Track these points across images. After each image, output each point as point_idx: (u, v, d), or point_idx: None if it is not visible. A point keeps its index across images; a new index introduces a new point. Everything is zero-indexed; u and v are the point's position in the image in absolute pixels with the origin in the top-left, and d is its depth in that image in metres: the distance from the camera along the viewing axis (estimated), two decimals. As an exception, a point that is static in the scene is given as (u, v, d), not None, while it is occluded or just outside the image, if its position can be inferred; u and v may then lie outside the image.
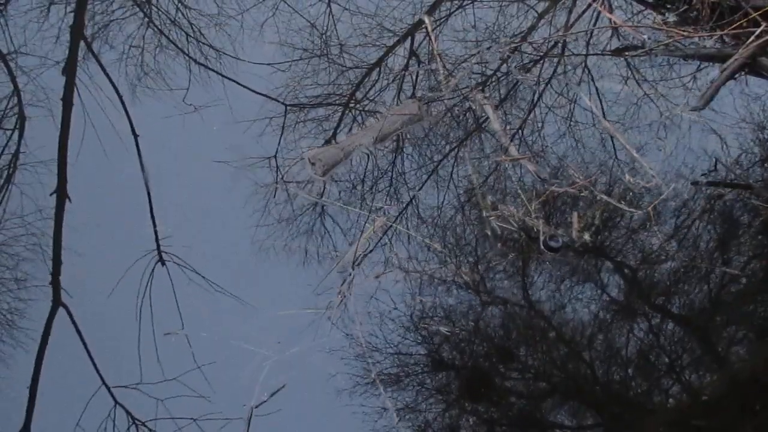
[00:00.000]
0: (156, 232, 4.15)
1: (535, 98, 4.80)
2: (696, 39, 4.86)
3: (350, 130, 4.61)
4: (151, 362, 3.74)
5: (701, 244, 4.31)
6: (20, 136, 4.50)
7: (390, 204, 4.34)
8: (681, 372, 4.01)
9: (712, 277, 4.19)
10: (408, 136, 4.57)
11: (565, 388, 3.99)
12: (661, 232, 4.25)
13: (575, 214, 4.27)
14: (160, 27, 5.12)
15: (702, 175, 4.48)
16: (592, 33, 5.04)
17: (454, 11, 5.22)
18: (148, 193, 4.30)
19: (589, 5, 5.15)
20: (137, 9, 5.21)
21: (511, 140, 4.55)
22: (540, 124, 4.70)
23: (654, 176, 4.38)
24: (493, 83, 4.84)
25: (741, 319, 4.20)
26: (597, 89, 4.81)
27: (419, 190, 4.40)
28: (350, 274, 4.04)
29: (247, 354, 3.79)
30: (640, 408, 3.91)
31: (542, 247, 4.14)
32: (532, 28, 5.13)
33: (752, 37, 4.64)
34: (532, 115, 4.74)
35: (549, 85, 4.83)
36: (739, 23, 4.67)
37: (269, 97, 4.73)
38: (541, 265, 4.18)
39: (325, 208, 4.30)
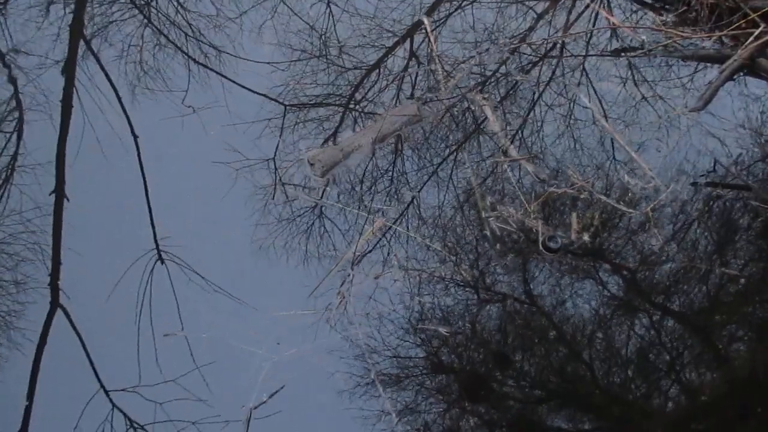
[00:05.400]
0: (155, 233, 4.15)
1: (534, 99, 4.79)
2: (695, 40, 4.86)
3: (350, 130, 4.61)
4: (150, 364, 3.74)
5: (700, 245, 4.31)
6: (19, 137, 4.50)
7: (389, 205, 4.34)
8: (681, 373, 4.01)
9: (711, 278, 4.19)
10: (407, 137, 4.57)
11: (564, 390, 3.99)
12: (660, 233, 4.25)
13: (574, 214, 4.27)
14: (159, 27, 5.12)
15: (701, 176, 4.48)
16: (591, 34, 5.04)
17: (453, 12, 5.22)
18: (147, 194, 4.30)
19: (587, 6, 5.14)
20: (136, 9, 5.20)
21: (511, 141, 4.55)
22: (539, 125, 4.70)
23: (653, 177, 4.38)
24: (492, 84, 4.84)
25: (740, 320, 4.20)
26: (596, 90, 4.81)
27: (419, 191, 4.41)
28: (349, 275, 4.04)
29: (247, 355, 3.79)
30: (639, 410, 3.92)
31: (541, 247, 4.14)
32: (531, 29, 5.13)
33: (751, 38, 4.63)
34: (531, 115, 4.74)
35: (548, 86, 4.83)
36: (737, 24, 4.66)
37: (269, 97, 4.73)
38: (540, 265, 4.18)
39: (324, 208, 4.31)
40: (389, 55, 4.98)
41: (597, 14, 5.14)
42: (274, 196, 4.31)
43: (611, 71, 4.90)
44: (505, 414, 3.93)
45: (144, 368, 3.73)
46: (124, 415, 3.66)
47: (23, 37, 4.89)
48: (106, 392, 3.70)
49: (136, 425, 3.64)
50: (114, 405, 3.67)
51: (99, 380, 3.72)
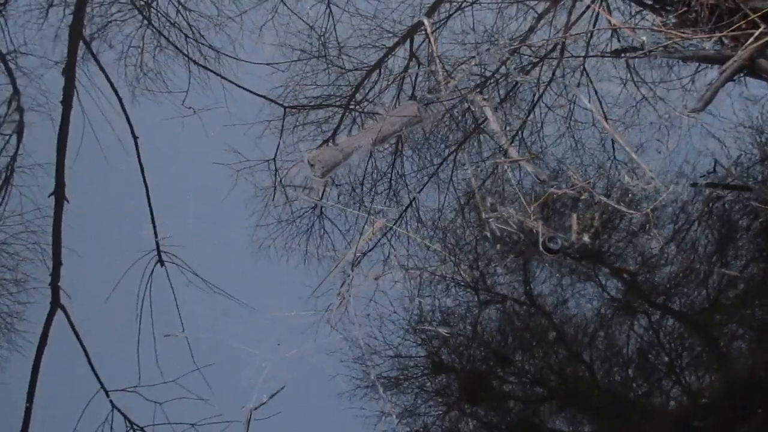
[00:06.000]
0: (156, 234, 4.15)
1: (535, 100, 4.79)
2: (695, 41, 4.86)
3: (350, 131, 4.61)
4: (149, 364, 3.74)
5: (700, 245, 4.31)
6: (19, 138, 4.50)
7: (389, 206, 4.34)
8: (681, 374, 4.01)
9: (711, 278, 4.19)
10: (407, 138, 4.57)
11: (564, 390, 3.99)
12: (660, 234, 4.25)
13: (574, 215, 4.27)
14: (159, 28, 5.12)
15: (701, 176, 4.48)
16: (591, 35, 5.04)
17: (454, 13, 5.22)
18: (148, 195, 4.30)
19: (588, 7, 5.15)
20: (136, 10, 5.20)
21: (511, 142, 4.55)
22: (539, 125, 4.70)
23: (653, 178, 4.38)
24: (492, 85, 4.84)
25: (740, 320, 4.20)
26: (596, 91, 4.81)
27: (419, 192, 4.41)
28: (349, 276, 4.04)
29: (247, 356, 3.79)
30: (639, 409, 3.91)
31: (541, 248, 4.14)
32: (532, 29, 5.13)
33: (751, 39, 4.64)
34: (531, 116, 4.74)
35: (548, 87, 4.83)
36: (738, 25, 4.67)
37: (268, 99, 4.73)
38: (541, 266, 4.18)
39: (324, 209, 4.31)
40: (389, 56, 4.98)
41: (597, 15, 5.14)
42: (274, 197, 4.31)
43: (611, 72, 4.90)
44: (505, 415, 3.93)
45: (144, 369, 3.73)
46: (124, 416, 3.65)
47: (23, 38, 4.90)
48: (106, 392, 3.69)
49: (135, 427, 3.64)
50: (114, 406, 3.67)
51: (99, 380, 3.72)
